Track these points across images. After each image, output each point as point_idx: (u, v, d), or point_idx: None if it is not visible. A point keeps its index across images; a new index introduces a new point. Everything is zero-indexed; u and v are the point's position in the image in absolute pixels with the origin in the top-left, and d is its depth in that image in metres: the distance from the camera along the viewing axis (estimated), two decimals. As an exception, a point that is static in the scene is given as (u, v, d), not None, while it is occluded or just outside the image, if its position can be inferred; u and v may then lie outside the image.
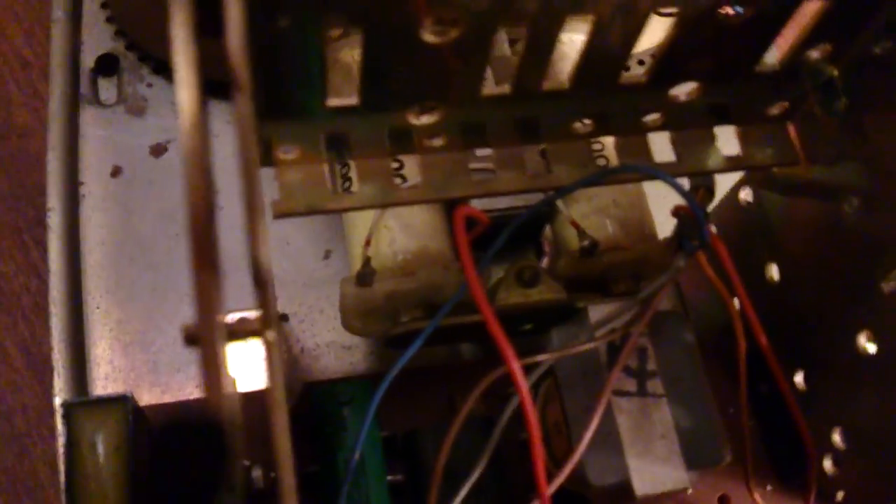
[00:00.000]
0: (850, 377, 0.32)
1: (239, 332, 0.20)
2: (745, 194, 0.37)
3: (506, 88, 0.28)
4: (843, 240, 0.31)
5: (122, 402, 0.29)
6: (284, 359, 0.39)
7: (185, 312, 0.39)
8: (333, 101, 0.26)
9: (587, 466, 0.31)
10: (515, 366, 0.26)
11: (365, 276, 0.32)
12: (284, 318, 0.41)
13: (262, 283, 0.17)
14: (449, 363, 0.40)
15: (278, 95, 0.26)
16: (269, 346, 0.20)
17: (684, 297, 0.44)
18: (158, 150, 0.44)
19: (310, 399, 0.35)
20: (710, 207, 0.37)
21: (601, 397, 0.30)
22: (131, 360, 0.39)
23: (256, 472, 0.33)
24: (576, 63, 0.27)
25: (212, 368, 0.16)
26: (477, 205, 0.34)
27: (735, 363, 0.34)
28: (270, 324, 0.19)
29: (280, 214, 0.28)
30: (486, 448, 0.31)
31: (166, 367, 0.39)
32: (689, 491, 0.38)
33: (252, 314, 0.20)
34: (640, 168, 0.31)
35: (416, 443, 0.35)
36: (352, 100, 0.26)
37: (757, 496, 0.36)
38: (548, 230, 0.40)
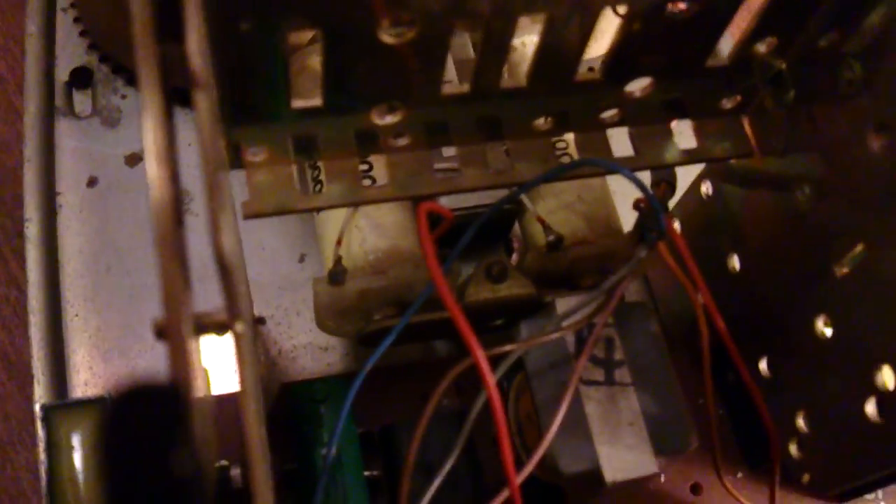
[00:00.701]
0: (810, 361, 0.33)
1: (208, 324, 0.20)
2: (706, 187, 0.38)
3: (465, 87, 0.29)
4: (798, 227, 0.32)
5: (99, 402, 0.30)
6: (262, 361, 0.40)
7: (163, 318, 0.40)
8: (298, 103, 0.27)
9: (557, 455, 0.31)
10: (479, 354, 0.26)
11: (336, 274, 0.33)
12: (261, 321, 0.42)
13: (226, 271, 0.18)
14: (424, 360, 0.41)
15: (244, 99, 0.27)
16: (238, 339, 0.21)
17: (653, 290, 0.45)
18: (133, 160, 0.45)
19: (286, 398, 0.36)
20: (673, 201, 0.38)
21: (569, 386, 0.31)
22: (110, 366, 0.40)
23: (235, 471, 0.34)
24: (532, 61, 0.28)
25: (179, 356, 0.17)
26: (445, 203, 0.35)
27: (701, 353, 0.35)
28: (239, 315, 0.20)
29: (250, 215, 0.29)
30: (459, 440, 0.32)
31: (145, 372, 0.40)
32: (662, 478, 0.39)
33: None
34: (599, 162, 0.32)
35: (391, 438, 0.36)
36: (316, 101, 0.27)
37: (727, 483, 0.37)
38: (516, 228, 0.41)
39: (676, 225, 0.41)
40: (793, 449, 0.35)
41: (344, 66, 0.26)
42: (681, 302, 0.41)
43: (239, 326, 0.20)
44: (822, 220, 0.31)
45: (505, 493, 0.29)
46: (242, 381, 0.22)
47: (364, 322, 0.36)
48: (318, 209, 0.31)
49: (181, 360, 0.18)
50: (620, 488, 0.35)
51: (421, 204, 0.28)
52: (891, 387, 0.28)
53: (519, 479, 0.29)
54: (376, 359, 0.32)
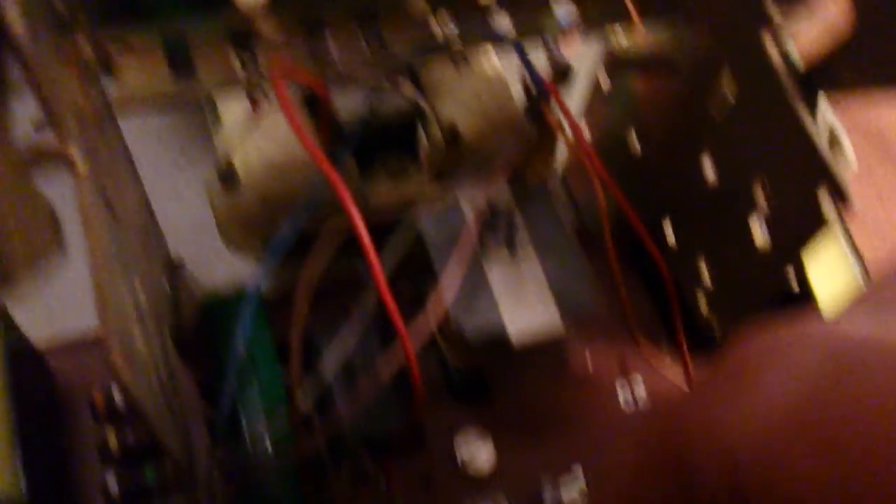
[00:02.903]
0: (705, 211, 0.34)
1: (39, 153, 0.20)
2: (603, 82, 0.38)
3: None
4: (681, 86, 0.33)
5: None
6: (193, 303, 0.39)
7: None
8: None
9: (462, 321, 0.31)
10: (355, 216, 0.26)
11: (226, 174, 0.33)
12: (180, 264, 0.42)
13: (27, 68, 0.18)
14: (344, 276, 0.40)
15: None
16: (73, 168, 0.20)
17: (574, 198, 0.45)
18: None
19: (200, 314, 0.36)
20: (573, 96, 0.38)
21: (468, 250, 0.31)
22: None
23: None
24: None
25: None
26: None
27: (618, 244, 0.35)
28: (69, 137, 0.20)
29: (122, 102, 0.28)
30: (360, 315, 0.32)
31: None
32: (590, 366, 0.39)
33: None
34: (479, 31, 0.32)
35: (312, 342, 0.36)
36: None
37: (646, 353, 0.37)
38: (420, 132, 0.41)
39: (586, 132, 0.41)
40: (703, 306, 0.35)
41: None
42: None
43: (73, 150, 0.20)
44: (698, 63, 0.31)
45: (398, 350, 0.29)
46: (87, 225, 0.21)
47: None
48: (192, 99, 0.31)
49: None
50: (546, 374, 0.35)
51: (273, 69, 0.28)
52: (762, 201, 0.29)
53: (416, 335, 0.29)
54: (275, 260, 0.32)
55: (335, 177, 0.28)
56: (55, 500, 0.32)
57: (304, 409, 0.29)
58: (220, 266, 0.42)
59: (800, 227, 0.27)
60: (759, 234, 0.30)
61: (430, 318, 0.30)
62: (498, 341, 0.31)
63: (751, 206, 0.30)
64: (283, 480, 0.32)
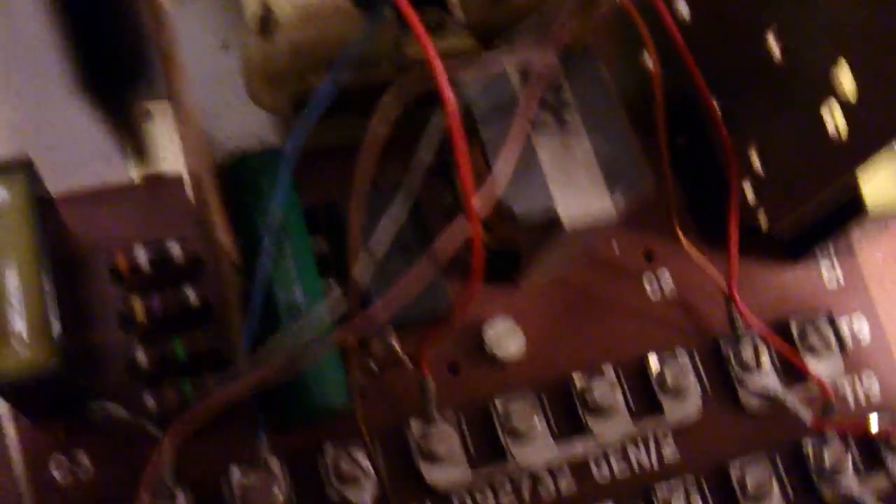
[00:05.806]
0: (765, 94, 0.32)
1: None
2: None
3: None
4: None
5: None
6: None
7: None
8: None
9: (512, 200, 0.30)
10: (437, 63, 0.24)
11: (265, 19, 0.30)
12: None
13: None
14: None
15: None
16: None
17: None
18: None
19: (224, 177, 0.34)
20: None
21: (516, 121, 0.29)
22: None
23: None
24: None
25: None
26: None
27: (653, 116, 0.34)
28: None
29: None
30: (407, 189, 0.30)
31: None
32: (616, 248, 0.38)
33: None
34: None
35: (337, 213, 0.34)
36: None
37: (681, 235, 0.36)
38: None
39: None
40: (749, 195, 0.34)
41: None
42: (629, 73, 0.39)
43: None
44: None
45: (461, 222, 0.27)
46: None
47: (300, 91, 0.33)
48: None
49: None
50: (575, 260, 0.34)
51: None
52: (847, 85, 0.27)
53: (477, 202, 0.27)
54: (316, 115, 0.30)
55: (416, 22, 0.26)
56: (81, 374, 0.30)
57: (362, 285, 0.27)
58: (229, 117, 0.40)
59: (889, 121, 0.26)
60: (833, 122, 0.28)
61: (488, 195, 0.28)
62: (549, 224, 0.30)
63: (825, 90, 0.28)
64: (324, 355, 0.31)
